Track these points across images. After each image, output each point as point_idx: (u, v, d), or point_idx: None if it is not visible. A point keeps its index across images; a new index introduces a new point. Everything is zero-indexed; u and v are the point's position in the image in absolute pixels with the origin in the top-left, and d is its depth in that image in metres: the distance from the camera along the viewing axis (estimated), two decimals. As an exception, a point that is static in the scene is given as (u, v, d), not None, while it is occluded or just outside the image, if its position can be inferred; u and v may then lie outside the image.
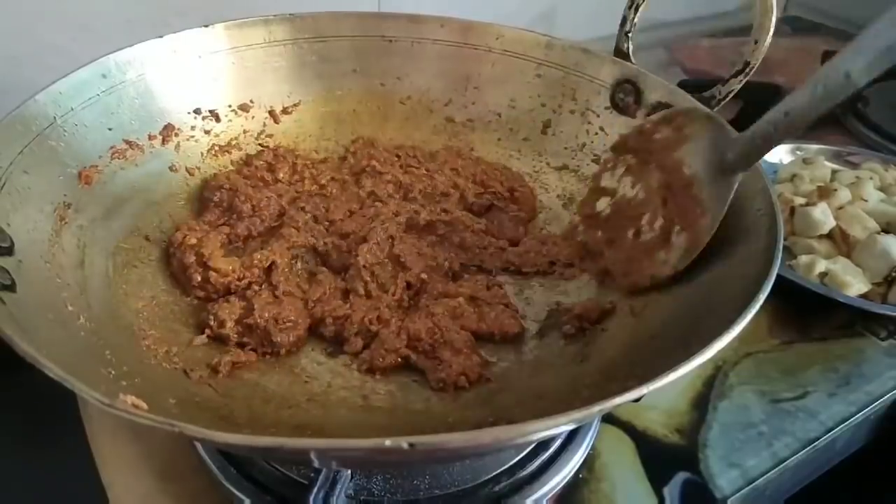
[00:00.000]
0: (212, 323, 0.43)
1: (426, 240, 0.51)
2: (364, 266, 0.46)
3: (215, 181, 0.52)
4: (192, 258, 0.45)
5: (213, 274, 0.45)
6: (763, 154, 0.40)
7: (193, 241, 0.46)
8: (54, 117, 0.43)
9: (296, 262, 0.48)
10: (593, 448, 0.45)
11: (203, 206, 0.51)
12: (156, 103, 0.51)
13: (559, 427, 0.31)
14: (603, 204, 0.51)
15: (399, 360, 0.43)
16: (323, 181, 0.55)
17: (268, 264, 0.46)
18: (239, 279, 0.46)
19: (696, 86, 0.53)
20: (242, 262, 0.46)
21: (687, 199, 0.44)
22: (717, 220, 0.41)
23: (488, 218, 0.54)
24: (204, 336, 0.43)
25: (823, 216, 0.59)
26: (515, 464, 0.42)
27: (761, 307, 0.32)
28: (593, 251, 0.50)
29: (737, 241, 0.41)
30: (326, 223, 0.52)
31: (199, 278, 0.45)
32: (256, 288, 0.45)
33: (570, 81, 0.57)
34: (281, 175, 0.54)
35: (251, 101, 0.57)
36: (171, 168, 0.51)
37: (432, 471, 0.41)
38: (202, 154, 0.54)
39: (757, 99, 0.81)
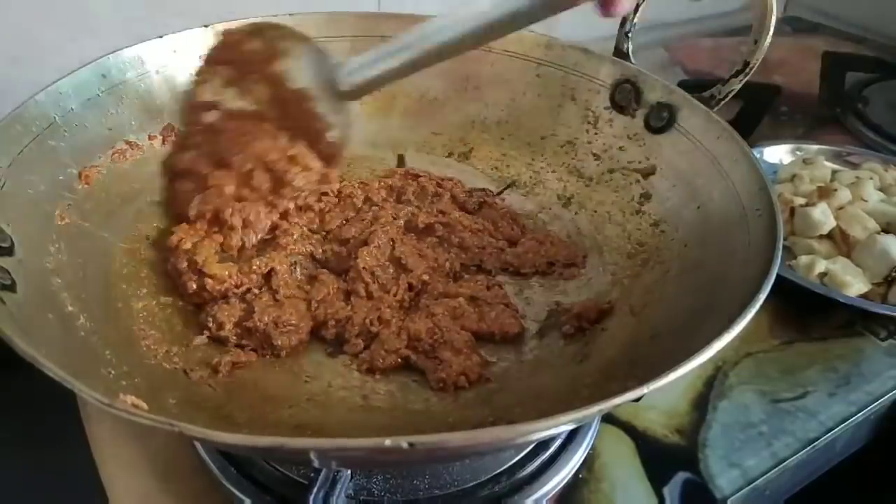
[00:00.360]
0: (210, 325, 0.43)
1: (426, 241, 0.50)
2: (364, 268, 0.46)
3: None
4: (184, 263, 0.44)
5: (208, 281, 0.44)
6: (378, 85, 0.45)
7: (188, 245, 0.44)
8: (54, 117, 0.43)
9: (295, 268, 0.47)
10: (593, 448, 0.45)
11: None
12: (156, 103, 0.51)
13: (559, 427, 0.31)
14: (212, 117, 0.47)
15: (399, 360, 0.43)
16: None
17: (267, 270, 0.46)
18: (237, 286, 0.45)
19: (696, 86, 0.53)
20: (240, 269, 0.45)
21: (304, 112, 0.46)
22: (347, 138, 0.46)
23: (481, 216, 0.54)
24: (204, 336, 0.43)
25: (823, 216, 0.59)
26: (515, 464, 0.42)
27: (761, 307, 0.32)
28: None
29: (737, 241, 0.41)
30: (323, 233, 0.51)
31: (195, 286, 0.44)
32: (256, 292, 0.45)
33: (570, 81, 0.57)
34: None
35: (251, 101, 0.57)
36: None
37: (432, 471, 0.41)
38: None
39: (757, 99, 0.82)
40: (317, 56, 0.46)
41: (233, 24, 0.50)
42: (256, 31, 0.48)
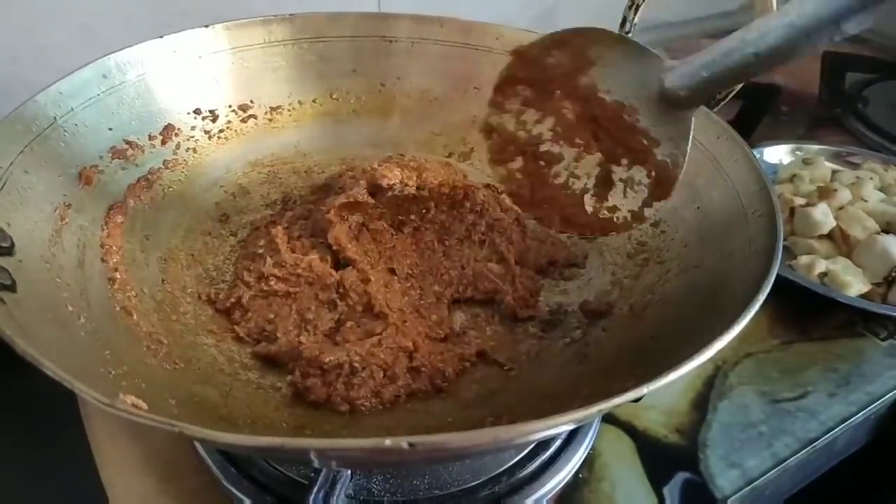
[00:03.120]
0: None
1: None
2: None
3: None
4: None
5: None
6: (714, 90, 0.37)
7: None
8: (54, 117, 0.43)
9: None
10: (593, 448, 0.45)
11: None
12: (156, 103, 0.51)
13: (559, 427, 0.31)
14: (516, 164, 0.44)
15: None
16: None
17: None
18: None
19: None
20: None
21: (623, 128, 0.38)
22: (683, 155, 0.37)
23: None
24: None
25: (823, 216, 0.59)
26: (515, 464, 0.42)
27: (761, 307, 0.32)
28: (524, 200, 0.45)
29: (737, 241, 0.41)
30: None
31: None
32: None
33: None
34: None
35: (251, 102, 0.57)
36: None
37: (432, 471, 0.41)
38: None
39: (757, 99, 0.82)
40: (638, 58, 0.38)
41: (530, 38, 0.42)
42: (559, 42, 0.40)
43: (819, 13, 0.32)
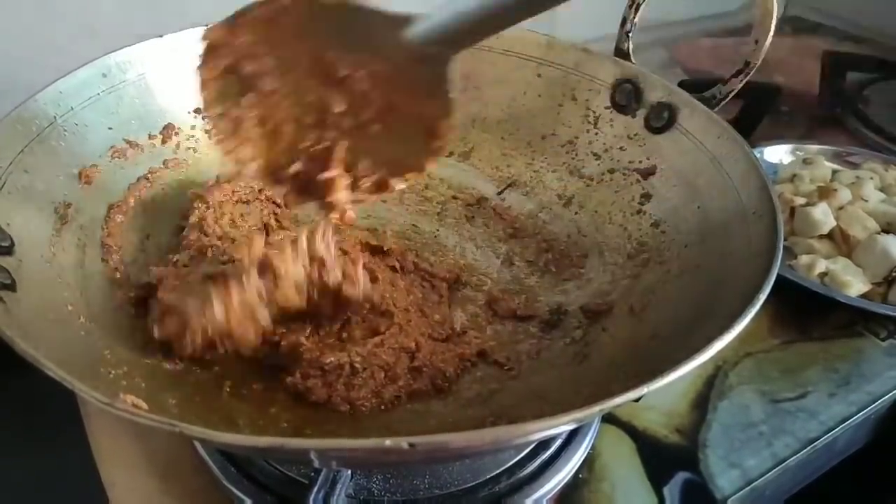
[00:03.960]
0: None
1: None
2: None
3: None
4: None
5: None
6: (461, 41, 0.31)
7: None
8: (54, 117, 0.43)
9: None
10: (593, 448, 0.45)
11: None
12: (156, 103, 0.51)
13: (559, 427, 0.31)
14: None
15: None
16: None
17: None
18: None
19: (697, 86, 0.53)
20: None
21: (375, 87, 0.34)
22: (448, 104, 0.33)
23: None
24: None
25: (824, 216, 0.59)
26: (515, 464, 0.42)
27: (761, 307, 0.32)
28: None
29: (737, 241, 0.41)
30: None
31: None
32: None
33: (570, 81, 0.57)
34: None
35: (251, 101, 0.57)
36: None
37: (432, 471, 0.41)
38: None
39: (757, 99, 0.82)
40: (371, 19, 0.33)
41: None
42: (260, 20, 0.35)
43: None
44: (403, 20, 0.32)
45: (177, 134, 0.52)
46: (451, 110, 0.34)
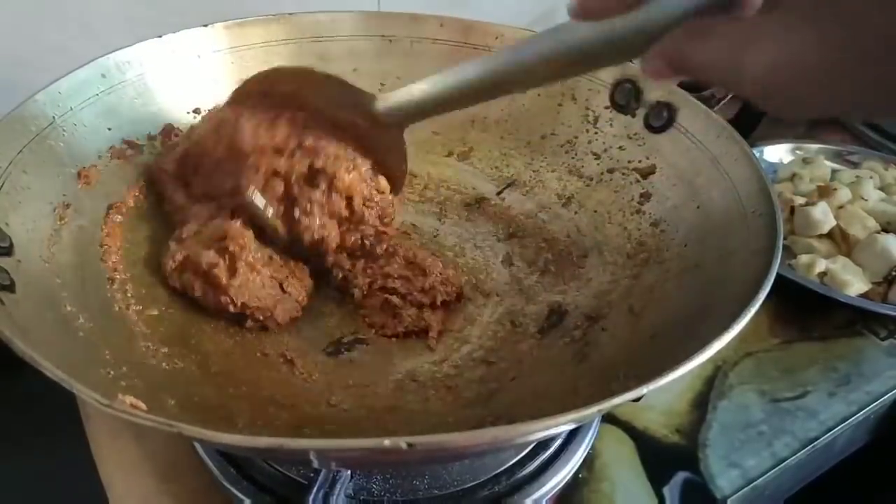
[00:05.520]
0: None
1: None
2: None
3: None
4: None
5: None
6: (415, 117, 0.43)
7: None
8: (54, 117, 0.43)
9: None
10: (593, 448, 0.45)
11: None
12: (155, 103, 0.51)
13: (559, 427, 0.31)
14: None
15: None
16: None
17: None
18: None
19: (697, 85, 0.53)
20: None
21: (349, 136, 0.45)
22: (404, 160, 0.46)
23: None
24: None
25: (823, 215, 0.59)
26: (515, 464, 0.42)
27: (761, 307, 0.32)
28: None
29: (737, 240, 0.41)
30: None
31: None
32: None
33: (570, 81, 0.57)
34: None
35: (251, 101, 0.57)
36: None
37: (432, 471, 0.41)
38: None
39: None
40: (346, 93, 0.44)
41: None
42: (268, 81, 0.45)
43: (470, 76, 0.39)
44: (371, 96, 0.43)
45: (176, 134, 0.52)
46: (405, 163, 0.47)
